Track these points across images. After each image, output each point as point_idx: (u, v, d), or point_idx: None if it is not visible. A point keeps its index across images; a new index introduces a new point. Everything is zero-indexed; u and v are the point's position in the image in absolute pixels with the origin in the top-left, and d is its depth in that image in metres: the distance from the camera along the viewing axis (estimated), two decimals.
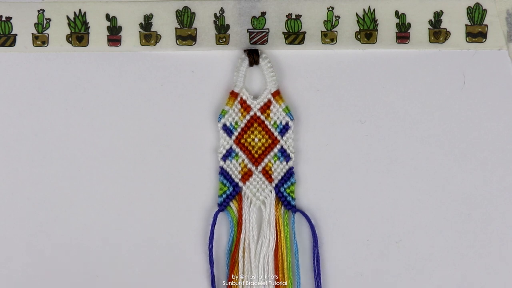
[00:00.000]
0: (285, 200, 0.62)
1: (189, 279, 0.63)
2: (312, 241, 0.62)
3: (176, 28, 0.63)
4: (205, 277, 0.63)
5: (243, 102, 0.63)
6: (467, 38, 0.63)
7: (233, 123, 0.63)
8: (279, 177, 0.63)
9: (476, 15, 0.63)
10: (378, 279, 0.63)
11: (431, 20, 0.63)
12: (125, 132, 0.63)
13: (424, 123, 0.63)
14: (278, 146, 0.63)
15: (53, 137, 0.63)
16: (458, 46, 0.63)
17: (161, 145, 0.63)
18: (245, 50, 0.63)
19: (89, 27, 0.63)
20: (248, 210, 0.62)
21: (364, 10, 0.63)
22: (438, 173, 0.63)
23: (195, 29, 0.63)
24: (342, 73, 0.64)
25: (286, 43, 0.63)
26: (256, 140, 0.63)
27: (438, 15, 0.63)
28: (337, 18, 0.63)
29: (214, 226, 0.62)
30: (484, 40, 0.63)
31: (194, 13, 0.63)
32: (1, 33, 0.63)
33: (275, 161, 0.63)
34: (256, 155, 0.63)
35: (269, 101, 0.63)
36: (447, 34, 0.63)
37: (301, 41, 0.63)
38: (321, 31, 0.63)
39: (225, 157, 0.63)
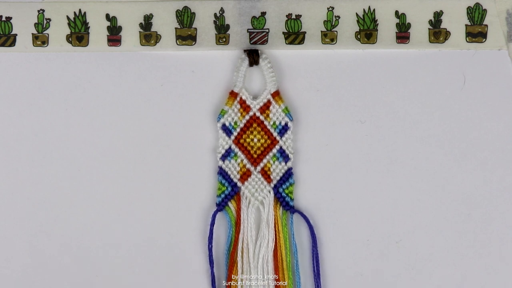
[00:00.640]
0: (284, 201, 0.62)
1: (189, 279, 0.63)
2: (311, 242, 0.62)
3: (176, 28, 0.63)
4: (205, 277, 0.63)
5: (242, 102, 0.63)
6: (467, 38, 0.63)
7: (233, 123, 0.63)
8: (278, 178, 0.63)
9: (476, 15, 0.63)
10: (378, 279, 0.62)
11: (431, 20, 0.63)
12: (125, 132, 0.63)
13: (424, 123, 0.63)
14: (277, 147, 0.63)
15: (53, 137, 0.63)
16: (458, 46, 0.63)
17: (161, 145, 0.63)
18: (245, 50, 0.63)
19: (89, 27, 0.64)
20: (246, 210, 0.62)
21: (364, 10, 0.63)
22: (438, 173, 0.63)
23: (195, 29, 0.63)
24: (342, 73, 0.64)
25: (286, 43, 0.63)
26: (255, 140, 0.63)
27: (438, 15, 0.63)
28: (337, 18, 0.63)
29: (213, 226, 0.62)
30: (484, 40, 0.63)
31: (194, 13, 0.63)
32: (1, 33, 0.64)
33: (274, 162, 0.63)
34: (255, 155, 0.63)
35: (269, 102, 0.63)
36: (447, 34, 0.63)
37: (301, 41, 0.63)
38: (321, 31, 0.63)
39: (224, 157, 0.63)
